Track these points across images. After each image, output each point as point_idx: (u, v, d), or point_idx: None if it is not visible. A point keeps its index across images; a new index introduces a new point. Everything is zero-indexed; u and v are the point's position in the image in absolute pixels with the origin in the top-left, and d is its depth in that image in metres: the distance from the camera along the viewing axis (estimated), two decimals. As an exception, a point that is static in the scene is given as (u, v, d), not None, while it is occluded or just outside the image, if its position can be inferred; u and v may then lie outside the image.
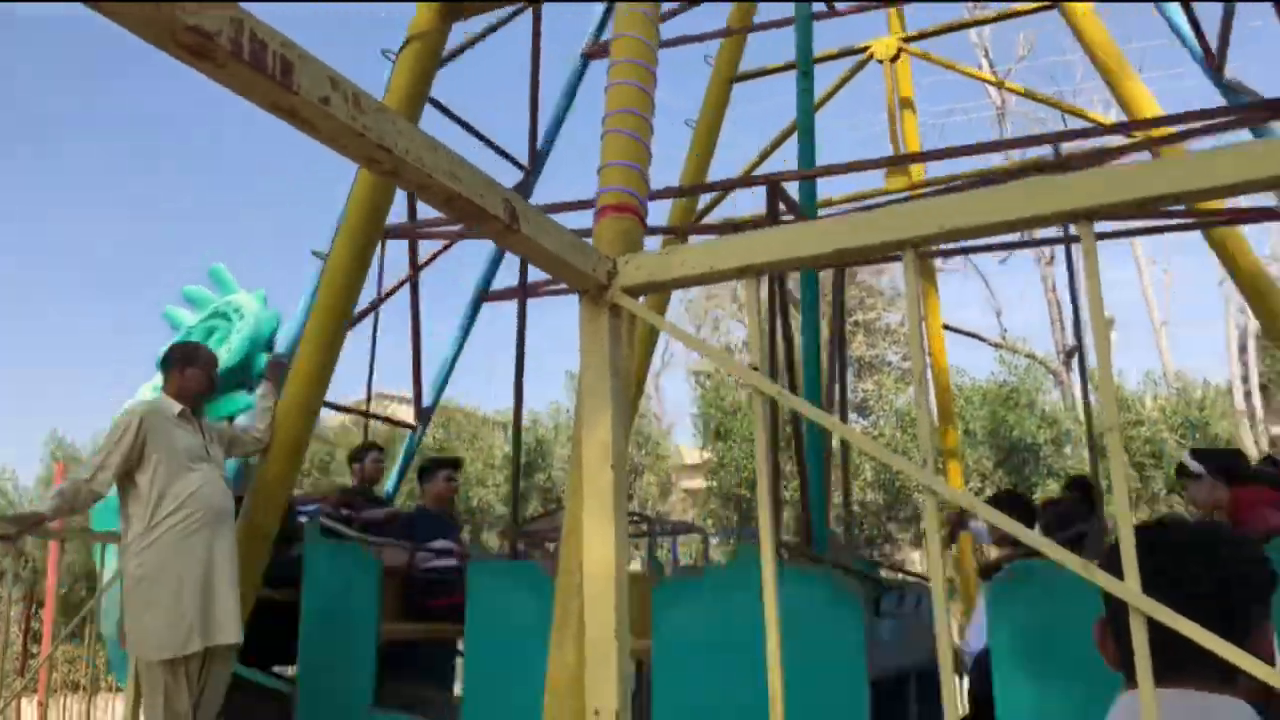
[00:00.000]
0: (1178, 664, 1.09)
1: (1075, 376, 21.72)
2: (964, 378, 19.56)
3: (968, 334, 22.66)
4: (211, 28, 0.75)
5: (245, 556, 4.33)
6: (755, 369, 1.28)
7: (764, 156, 7.56)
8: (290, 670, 5.01)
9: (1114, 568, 1.03)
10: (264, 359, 5.15)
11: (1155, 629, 0.98)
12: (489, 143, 7.05)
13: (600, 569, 1.31)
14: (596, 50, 7.68)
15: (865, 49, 9.21)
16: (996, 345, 21.94)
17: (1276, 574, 1.22)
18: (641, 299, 1.40)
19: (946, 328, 11.59)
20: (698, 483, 21.86)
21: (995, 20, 8.99)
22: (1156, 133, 6.13)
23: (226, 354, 5.04)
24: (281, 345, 5.53)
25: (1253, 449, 18.23)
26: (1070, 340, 22.54)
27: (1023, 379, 19.24)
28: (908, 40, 9.29)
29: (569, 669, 2.07)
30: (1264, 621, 1.19)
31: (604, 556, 1.31)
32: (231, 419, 4.97)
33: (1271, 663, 1.23)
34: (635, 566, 18.45)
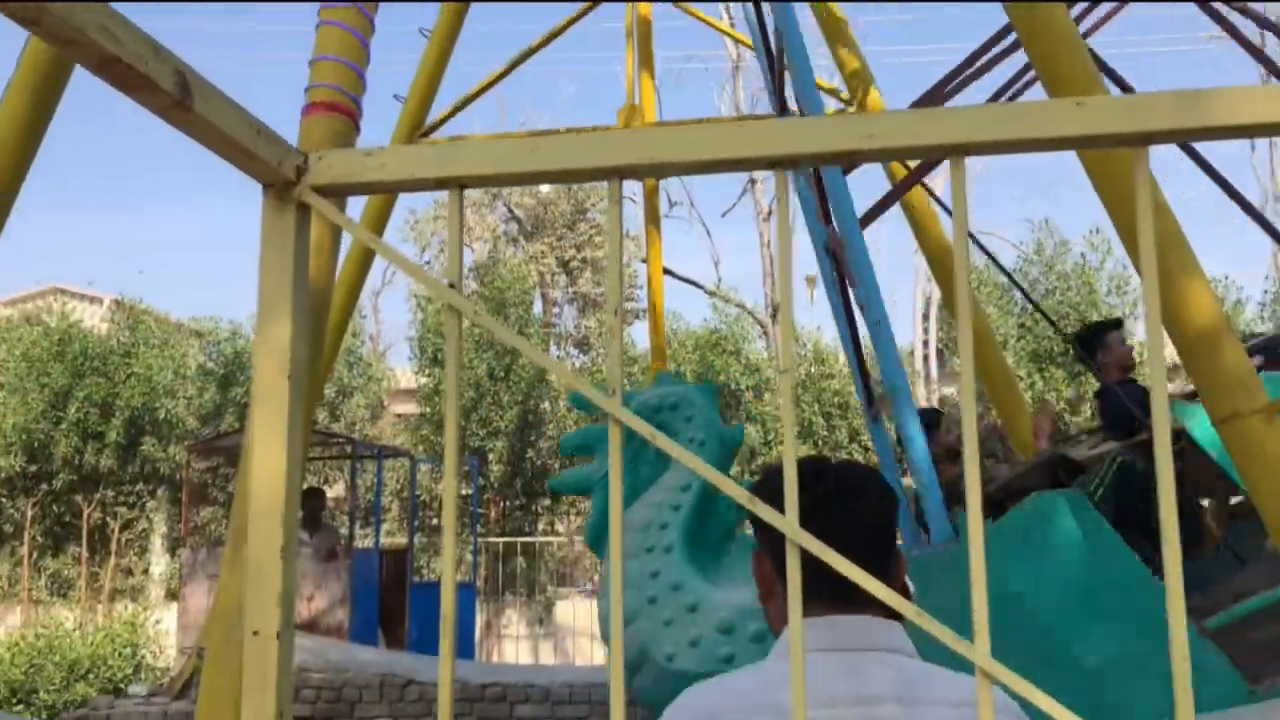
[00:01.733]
0: (844, 591, 1.16)
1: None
2: (679, 322, 20.40)
3: (685, 280, 23.61)
4: None
5: None
6: (451, 285, 1.23)
7: (499, 77, 7.39)
8: None
9: (772, 500, 1.08)
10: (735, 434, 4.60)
11: (821, 561, 1.04)
12: None
13: (268, 486, 1.23)
14: None
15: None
16: (711, 293, 22.98)
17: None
18: (356, 213, 1.31)
19: (667, 272, 12.00)
20: (411, 408, 21.49)
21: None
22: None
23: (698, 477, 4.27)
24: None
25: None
26: (779, 295, 24.08)
27: (732, 327, 20.33)
28: (653, -19, 9.38)
29: (240, 589, 1.95)
30: (897, 547, 1.33)
31: (273, 473, 1.23)
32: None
33: (905, 586, 1.36)
34: (339, 490, 17.95)
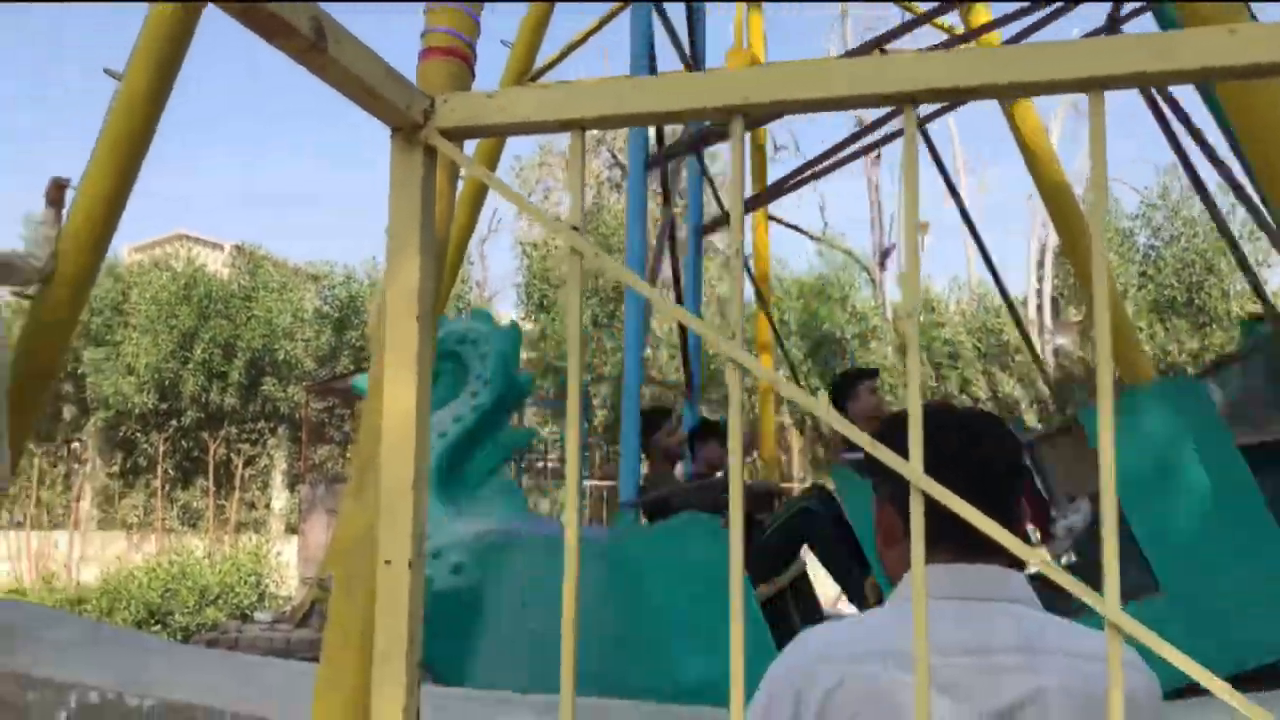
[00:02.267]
0: (967, 539, 1.14)
1: (889, 275, 22.78)
2: (784, 269, 20.18)
3: (791, 226, 23.27)
4: None
5: (22, 397, 4.04)
6: (575, 228, 1.24)
7: (604, 22, 7.34)
8: None
9: (896, 446, 1.06)
10: (523, 381, 5.07)
11: (943, 508, 1.02)
12: None
13: (400, 421, 1.27)
14: None
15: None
16: (816, 239, 22.63)
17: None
18: (470, 152, 1.33)
19: (771, 218, 11.84)
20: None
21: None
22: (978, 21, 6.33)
23: (473, 411, 4.81)
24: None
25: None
26: (887, 241, 23.55)
27: (838, 274, 20.02)
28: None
29: (364, 522, 2.03)
30: (1022, 495, 1.30)
31: (404, 410, 1.27)
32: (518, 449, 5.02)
33: (1027, 534, 1.33)
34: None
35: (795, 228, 23.61)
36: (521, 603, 4.53)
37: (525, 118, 1.23)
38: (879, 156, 24.25)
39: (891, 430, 1.24)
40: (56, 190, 4.38)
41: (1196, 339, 17.06)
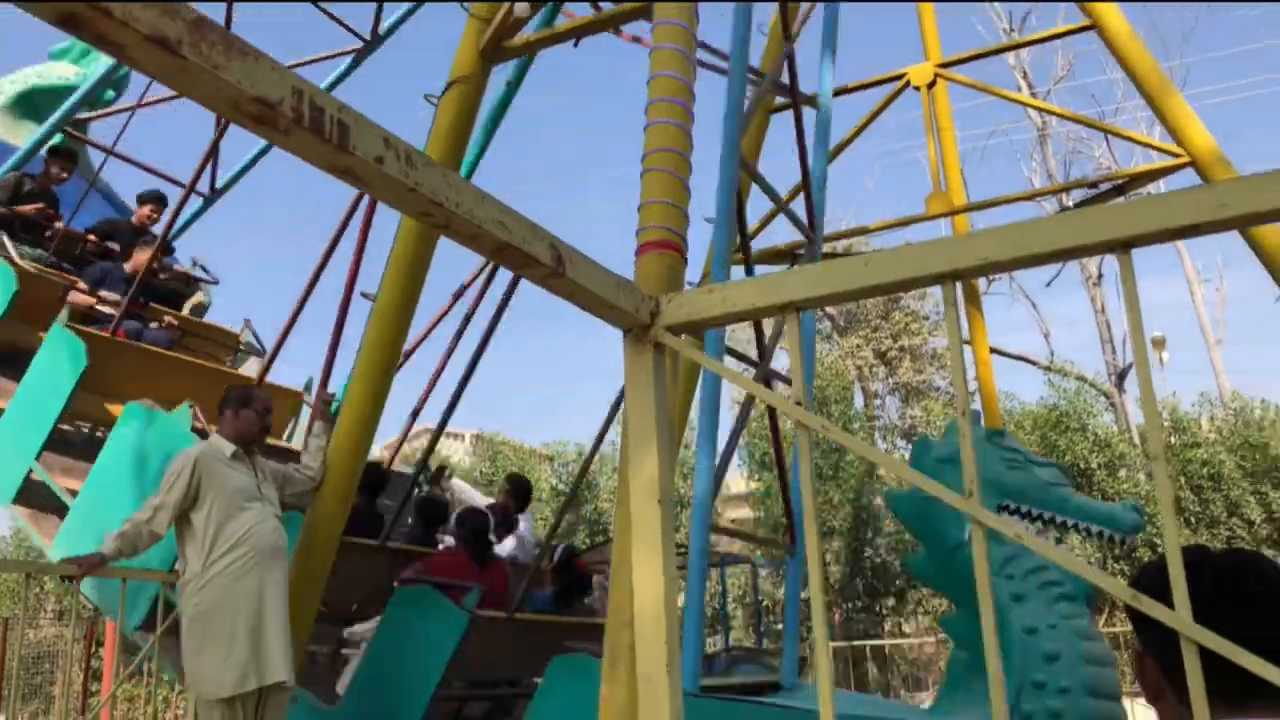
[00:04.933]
0: (1247, 690, 1.06)
1: (1129, 397, 21.38)
2: (1013, 402, 19.30)
3: (1015, 357, 22.43)
4: (273, 97, 0.79)
5: (299, 596, 4.39)
6: (799, 403, 1.30)
7: (795, 194, 7.54)
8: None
9: (1158, 594, 1.02)
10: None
11: (1217, 658, 0.97)
12: None
13: (650, 604, 1.33)
14: None
15: (901, 76, 9.19)
16: (1045, 368, 21.64)
17: None
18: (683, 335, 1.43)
19: (994, 351, 11.47)
20: (744, 513, 21.73)
21: (1031, 44, 8.92)
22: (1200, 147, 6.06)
23: None
24: (332, 385, 5.59)
25: (1316, 468, 17.74)
26: (1121, 361, 22.22)
27: (1073, 402, 18.93)
28: (944, 65, 9.26)
29: (621, 704, 2.07)
30: None
31: (653, 591, 1.33)
32: None
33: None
34: (681, 599, 18.34)
35: (1022, 358, 22.73)
36: None
37: (745, 306, 1.32)
38: (1101, 276, 23.21)
39: (1151, 578, 1.18)
40: (324, 405, 4.88)
41: None
